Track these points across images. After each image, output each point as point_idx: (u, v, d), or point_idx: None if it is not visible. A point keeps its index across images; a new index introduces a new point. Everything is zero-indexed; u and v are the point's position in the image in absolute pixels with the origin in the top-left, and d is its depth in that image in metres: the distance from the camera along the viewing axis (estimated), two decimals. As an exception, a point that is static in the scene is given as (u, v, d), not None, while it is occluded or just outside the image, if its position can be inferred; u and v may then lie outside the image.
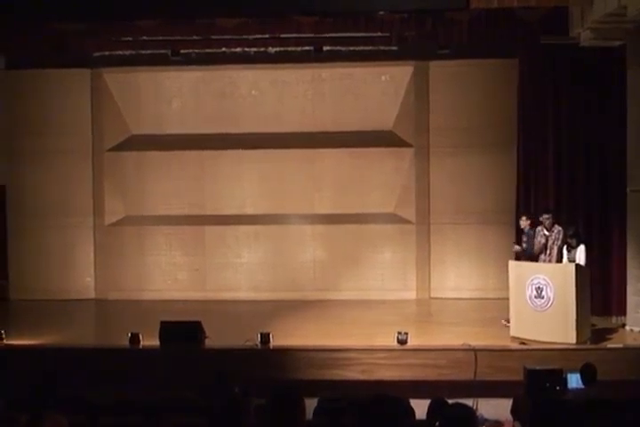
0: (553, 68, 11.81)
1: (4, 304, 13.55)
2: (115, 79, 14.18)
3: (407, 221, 13.83)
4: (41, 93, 14.20)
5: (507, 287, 9.96)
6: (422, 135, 13.73)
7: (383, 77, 13.86)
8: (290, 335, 9.82)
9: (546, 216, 10.26)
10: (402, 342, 8.75)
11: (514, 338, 9.38)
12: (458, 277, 13.64)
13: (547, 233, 10.17)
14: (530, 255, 10.16)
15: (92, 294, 14.22)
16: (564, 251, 9.80)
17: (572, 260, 9.58)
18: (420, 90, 13.86)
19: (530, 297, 9.34)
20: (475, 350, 8.61)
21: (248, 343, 8.75)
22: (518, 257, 10.48)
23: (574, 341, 8.94)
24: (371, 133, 13.73)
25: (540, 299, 9.21)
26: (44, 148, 14.06)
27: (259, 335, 8.84)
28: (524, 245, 10.56)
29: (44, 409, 4.60)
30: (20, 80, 14.18)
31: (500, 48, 12.50)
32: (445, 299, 13.18)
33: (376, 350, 8.82)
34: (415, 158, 13.78)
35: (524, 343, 9.08)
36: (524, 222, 10.72)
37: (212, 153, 14.09)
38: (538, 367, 7.63)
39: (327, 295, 13.58)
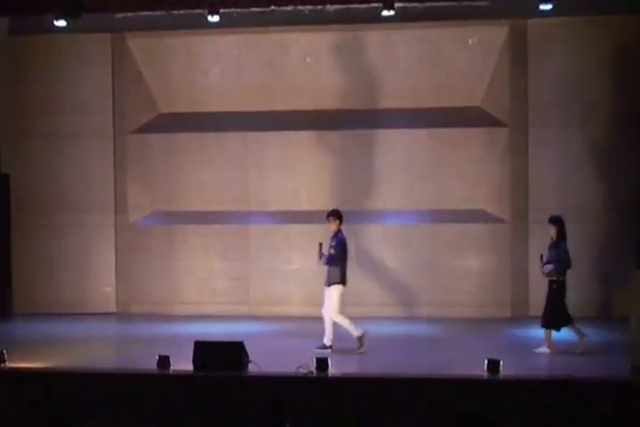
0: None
1: (7, 320, 13.78)
2: (140, 45, 14.51)
3: (499, 220, 13.90)
4: (52, 64, 14.48)
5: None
6: (519, 112, 13.82)
7: (470, 40, 13.90)
8: (351, 361, 9.92)
9: None
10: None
11: None
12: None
13: None
14: None
15: (112, 308, 14.61)
16: None
17: None
18: (516, 56, 13.80)
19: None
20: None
21: (301, 370, 8.76)
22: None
23: None
24: (454, 110, 13.87)
25: None
26: (56, 129, 14.49)
27: (314, 360, 8.86)
28: None
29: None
30: (26, 48, 14.43)
31: (616, 0, 12.35)
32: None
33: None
34: (510, 141, 13.85)
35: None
36: None
37: (258, 135, 14.34)
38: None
39: (397, 311, 13.71)
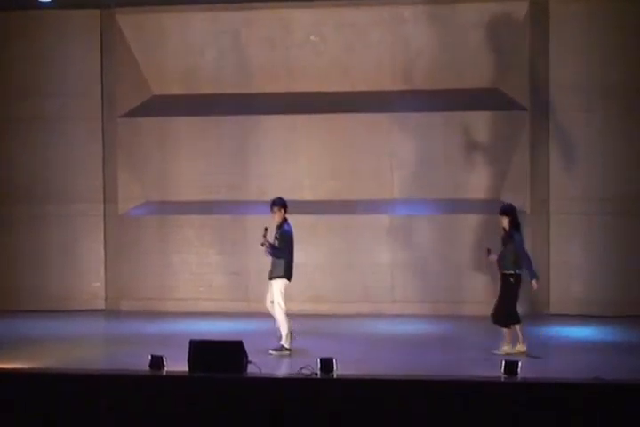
0: None
1: None
2: (131, 23, 14.46)
3: (518, 211, 13.59)
4: (34, 42, 14.39)
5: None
6: (540, 94, 13.71)
7: (486, 17, 13.76)
8: (358, 361, 9.86)
9: None
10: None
11: None
12: (587, 285, 13.47)
13: None
14: None
15: (100, 304, 14.60)
16: None
17: None
18: (536, 33, 13.70)
19: None
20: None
21: (304, 371, 8.73)
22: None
23: None
24: (470, 92, 13.85)
25: None
26: (40, 114, 14.40)
27: (319, 361, 8.79)
28: None
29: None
30: (6, 25, 14.36)
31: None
32: (567, 316, 13.14)
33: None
34: (530, 125, 13.74)
35: None
36: None
37: (258, 119, 14.28)
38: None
39: (406, 309, 13.65)
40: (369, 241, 13.91)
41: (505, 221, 10.68)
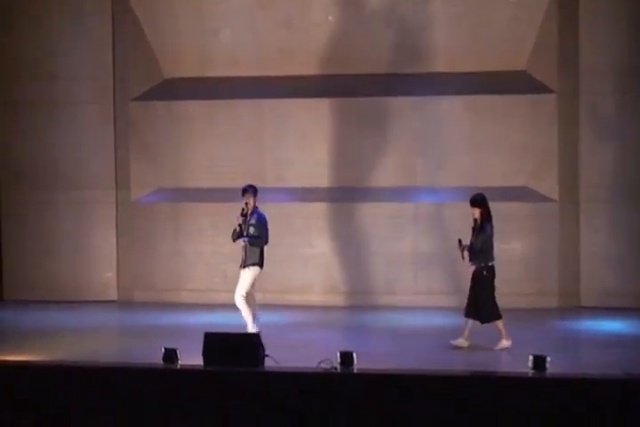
0: None
1: None
2: (144, 3, 14.51)
3: (547, 199, 13.81)
4: (44, 22, 14.40)
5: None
6: (569, 76, 13.70)
7: (514, -3, 13.73)
8: (380, 355, 9.87)
9: None
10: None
11: None
12: (619, 277, 13.38)
13: None
14: None
15: (113, 295, 14.69)
16: None
17: None
18: (565, 12, 13.64)
19: None
20: None
21: (323, 365, 8.74)
22: None
23: None
24: (496, 75, 13.81)
25: None
26: (49, 97, 14.38)
27: (338, 355, 8.81)
28: None
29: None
30: (14, 5, 14.42)
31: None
32: (598, 309, 13.10)
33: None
34: (559, 109, 13.72)
35: None
36: None
37: (275, 102, 14.26)
38: None
39: (431, 301, 13.57)
40: (390, 230, 13.87)
41: (476, 212, 10.59)
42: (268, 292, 13.74)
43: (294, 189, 14.35)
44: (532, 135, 13.76)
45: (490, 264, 10.54)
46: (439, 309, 13.24)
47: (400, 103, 14.02)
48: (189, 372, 8.95)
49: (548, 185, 13.64)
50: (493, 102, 13.83)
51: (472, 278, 10.64)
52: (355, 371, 8.71)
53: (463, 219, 13.29)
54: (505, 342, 10.48)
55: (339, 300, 13.78)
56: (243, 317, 10.96)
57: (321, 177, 14.23)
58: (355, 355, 8.76)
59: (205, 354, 8.98)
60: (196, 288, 14.25)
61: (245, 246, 11.00)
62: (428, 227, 13.91)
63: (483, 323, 10.53)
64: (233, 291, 13.57)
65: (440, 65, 14.01)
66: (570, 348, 10.55)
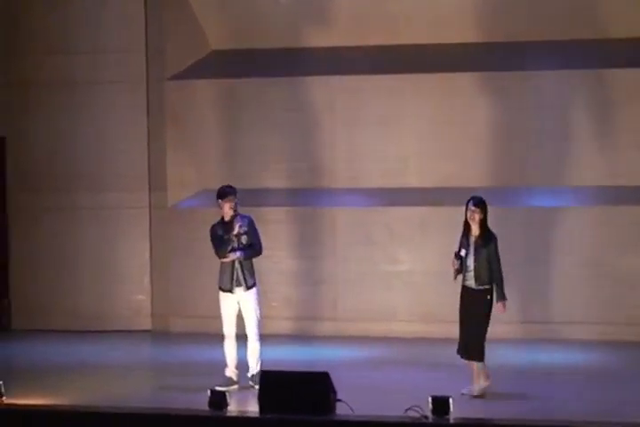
0: None
1: (4, 339, 13.87)
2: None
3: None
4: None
5: None
6: None
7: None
8: (471, 401, 9.85)
9: None
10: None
11: None
12: None
13: None
14: None
15: (146, 324, 14.49)
16: None
17: None
18: None
19: None
20: None
21: (411, 413, 8.63)
22: None
23: None
24: (614, 44, 13.37)
25: None
26: (69, 76, 14.28)
27: (430, 400, 8.64)
28: None
29: None
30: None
31: None
32: None
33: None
34: None
35: None
36: None
37: (349, 80, 13.98)
38: None
39: (536, 332, 13.14)
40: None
41: (478, 216, 10.10)
42: (339, 320, 13.80)
43: (372, 191, 14.10)
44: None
45: (492, 286, 10.19)
46: (571, 341, 12.90)
47: (507, 78, 13.64)
48: (241, 420, 9.18)
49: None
50: (625, 78, 13.35)
51: (471, 305, 10.20)
52: (451, 421, 8.69)
53: (589, 226, 13.33)
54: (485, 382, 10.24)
55: (431, 330, 13.11)
56: (254, 360, 10.78)
57: (406, 175, 13.92)
58: (451, 401, 8.70)
59: (262, 398, 9.00)
60: (247, 315, 13.88)
61: (238, 262, 10.74)
62: (544, 235, 13.37)
63: (478, 361, 10.26)
64: (295, 318, 13.73)
65: (561, 33, 13.53)
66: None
